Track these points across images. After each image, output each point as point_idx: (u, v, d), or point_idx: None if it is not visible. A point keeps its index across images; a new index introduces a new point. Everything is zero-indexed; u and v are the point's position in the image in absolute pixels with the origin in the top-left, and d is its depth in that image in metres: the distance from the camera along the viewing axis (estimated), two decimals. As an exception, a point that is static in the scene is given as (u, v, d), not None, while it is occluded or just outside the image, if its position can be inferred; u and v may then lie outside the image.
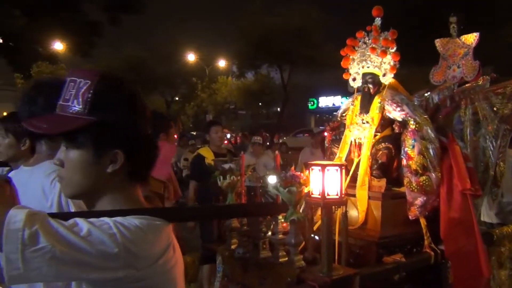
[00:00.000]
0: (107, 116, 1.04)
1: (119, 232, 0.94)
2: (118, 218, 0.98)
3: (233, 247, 2.51)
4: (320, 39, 21.88)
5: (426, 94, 3.11)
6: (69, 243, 0.90)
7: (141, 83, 22.20)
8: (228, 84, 28.41)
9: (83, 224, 0.94)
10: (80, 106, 1.03)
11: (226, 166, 2.51)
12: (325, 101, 37.57)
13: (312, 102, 37.69)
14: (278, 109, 29.02)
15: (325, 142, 3.07)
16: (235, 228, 2.51)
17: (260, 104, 29.40)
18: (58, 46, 19.02)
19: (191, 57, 27.70)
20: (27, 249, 0.87)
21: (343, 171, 2.14)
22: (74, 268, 0.91)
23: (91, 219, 0.97)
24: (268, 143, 14.27)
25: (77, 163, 1.06)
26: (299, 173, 2.12)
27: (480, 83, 2.84)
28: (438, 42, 3.07)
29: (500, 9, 15.91)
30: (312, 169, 2.12)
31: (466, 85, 2.91)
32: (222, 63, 28.72)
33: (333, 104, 37.48)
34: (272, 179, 2.47)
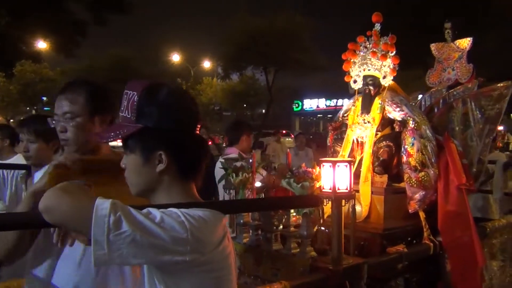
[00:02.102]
0: (149, 122, 1.17)
1: (187, 220, 1.06)
2: (183, 209, 1.10)
3: (244, 241, 2.63)
4: (306, 42, 22.13)
5: (419, 97, 3.28)
6: (146, 228, 1.01)
7: (125, 83, 22.04)
8: (213, 85, 28.38)
9: (156, 213, 1.06)
10: (130, 115, 1.19)
11: (238, 164, 2.63)
12: (309, 103, 38.01)
13: (296, 104, 38.08)
14: (263, 110, 29.16)
15: (328, 141, 3.21)
16: (246, 222, 2.63)
17: (245, 105, 29.51)
18: (42, 45, 18.81)
19: (176, 57, 27.64)
20: (112, 233, 0.99)
21: (352, 167, 2.29)
22: (150, 250, 1.02)
23: (161, 209, 1.09)
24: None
25: (132, 165, 1.21)
26: (311, 169, 2.26)
27: (469, 86, 3.03)
28: (433, 46, 3.25)
29: (484, 16, 16.53)
30: (323, 165, 2.25)
31: (458, 87, 3.09)
32: (207, 64, 28.71)
33: (317, 106, 38.03)
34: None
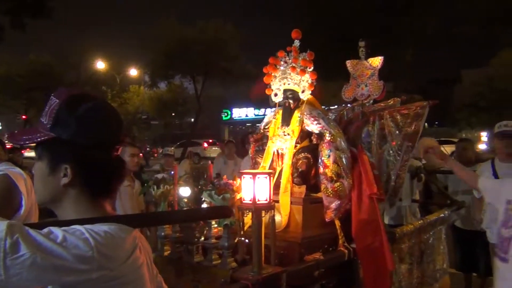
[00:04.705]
0: (63, 133, 1.13)
1: (91, 237, 1.03)
2: (88, 226, 1.06)
3: (165, 254, 2.60)
4: (234, 52, 22.40)
5: (345, 110, 3.47)
6: (47, 249, 0.97)
7: (47, 90, 20.92)
8: (140, 94, 27.71)
9: (57, 232, 1.01)
10: (46, 122, 1.15)
11: (159, 176, 2.61)
12: (238, 112, 38.50)
13: (225, 113, 38.42)
14: (192, 119, 28.96)
15: (249, 152, 3.28)
16: (167, 235, 2.61)
17: (173, 114, 29.11)
18: None
19: (101, 65, 26.62)
20: (8, 257, 0.93)
21: (272, 178, 2.37)
22: (53, 272, 0.98)
23: (63, 227, 1.04)
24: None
25: (38, 173, 1.17)
26: (231, 181, 2.31)
27: (391, 103, 3.25)
28: (348, 63, 3.46)
29: (401, 32, 17.89)
30: (243, 177, 2.30)
31: (378, 103, 3.31)
32: (133, 72, 27.93)
33: (246, 115, 38.62)
34: (184, 191, 2.61)
